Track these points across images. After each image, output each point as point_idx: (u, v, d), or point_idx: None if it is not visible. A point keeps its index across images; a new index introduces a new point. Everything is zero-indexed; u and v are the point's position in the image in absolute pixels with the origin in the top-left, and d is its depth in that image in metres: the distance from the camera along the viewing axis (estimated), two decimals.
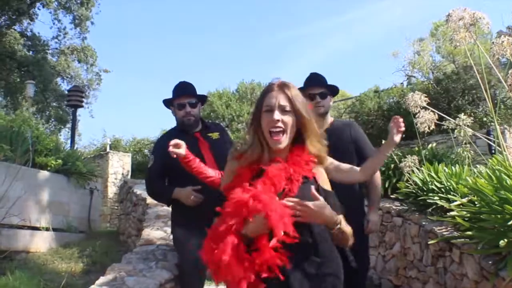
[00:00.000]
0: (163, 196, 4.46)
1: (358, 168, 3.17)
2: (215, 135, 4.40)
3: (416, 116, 4.46)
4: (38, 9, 23.99)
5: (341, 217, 2.38)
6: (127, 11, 58.16)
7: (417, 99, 4.41)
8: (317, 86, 4.21)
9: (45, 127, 20.91)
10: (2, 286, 5.70)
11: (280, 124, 2.36)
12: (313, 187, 2.29)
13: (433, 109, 4.41)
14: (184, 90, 4.41)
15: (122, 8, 55.40)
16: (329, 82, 4.30)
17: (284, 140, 2.38)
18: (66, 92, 17.19)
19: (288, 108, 2.39)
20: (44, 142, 9.20)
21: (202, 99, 4.57)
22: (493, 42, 3.54)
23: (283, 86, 2.44)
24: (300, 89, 4.29)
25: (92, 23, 25.38)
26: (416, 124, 4.48)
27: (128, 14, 58.40)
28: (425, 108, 4.42)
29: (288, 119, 2.38)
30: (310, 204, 2.22)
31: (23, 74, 22.84)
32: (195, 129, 4.36)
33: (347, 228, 2.42)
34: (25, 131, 8.91)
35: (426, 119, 4.39)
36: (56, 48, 25.71)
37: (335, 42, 65.90)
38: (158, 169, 4.33)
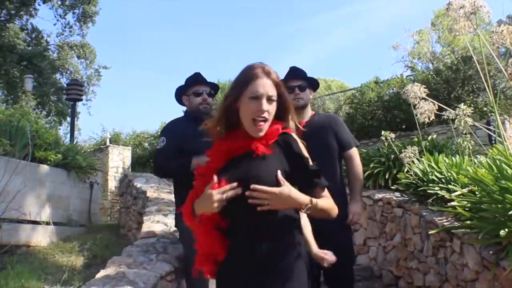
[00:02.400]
0: (183, 165, 4.23)
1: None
2: None
3: (416, 107, 4.45)
4: (39, 4, 23.98)
5: (313, 199, 2.35)
6: (126, 4, 58.01)
7: (416, 90, 4.40)
8: (296, 79, 4.26)
9: (46, 121, 20.88)
10: (3, 280, 5.71)
11: (265, 114, 2.34)
12: (279, 172, 2.28)
13: (432, 100, 4.40)
14: (202, 78, 4.47)
15: (121, 1, 55.24)
16: (330, 76, 4.35)
17: (265, 129, 2.38)
18: (65, 86, 17.17)
19: (274, 98, 2.39)
20: (43, 136, 9.19)
21: (215, 89, 4.60)
22: (492, 31, 3.53)
23: (268, 73, 2.41)
24: (182, 86, 4.43)
25: (92, 22, 25.39)
26: (416, 115, 4.47)
27: (127, 7, 58.27)
28: (424, 99, 4.41)
29: (273, 108, 2.39)
30: (275, 190, 2.21)
31: (23, 69, 22.82)
32: (207, 118, 4.36)
33: (325, 202, 2.42)
34: (25, 125, 8.90)
35: (426, 109, 4.38)
36: (56, 44, 25.71)
37: (336, 36, 65.79)
38: (170, 151, 4.28)
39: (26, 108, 13.21)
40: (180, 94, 4.51)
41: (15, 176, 7.12)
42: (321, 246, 3.03)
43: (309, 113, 4.31)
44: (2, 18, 23.24)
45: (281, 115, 2.45)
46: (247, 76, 2.43)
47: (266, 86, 2.37)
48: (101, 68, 27.10)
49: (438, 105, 4.41)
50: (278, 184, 2.23)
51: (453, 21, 3.54)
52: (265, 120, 2.35)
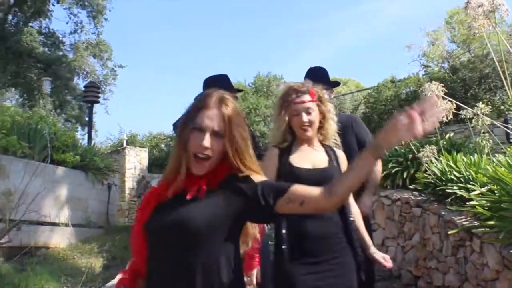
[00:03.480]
0: None
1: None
2: None
3: None
4: (53, 5, 24.12)
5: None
6: (142, 5, 58.24)
7: (434, 89, 4.39)
8: (315, 82, 4.21)
9: (64, 125, 21.01)
10: (23, 281, 5.76)
11: (208, 152, 1.98)
12: None
13: (450, 99, 4.39)
14: (225, 83, 4.37)
15: (137, 2, 55.50)
16: (344, 75, 4.32)
17: (208, 167, 2.01)
18: (83, 89, 17.29)
19: (222, 133, 2.00)
20: (61, 139, 9.26)
21: (236, 92, 4.55)
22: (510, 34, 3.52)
23: (221, 102, 2.05)
24: None
25: (105, 19, 25.51)
26: None
27: (144, 8, 58.51)
28: (442, 98, 4.40)
29: (219, 145, 2.00)
30: None
31: (41, 72, 22.97)
32: None
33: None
34: (43, 127, 8.97)
35: (444, 108, 4.37)
36: (72, 44, 25.85)
37: (350, 34, 65.64)
38: None
39: (44, 110, 13.28)
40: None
41: (35, 178, 7.18)
42: None
43: None
44: (21, 23, 23.41)
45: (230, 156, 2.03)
46: (197, 104, 2.12)
47: (213, 118, 2.01)
48: (117, 67, 27.16)
49: (456, 103, 4.40)
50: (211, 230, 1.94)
51: (472, 19, 3.53)
52: (208, 159, 2.00)
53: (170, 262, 1.97)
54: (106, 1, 25.08)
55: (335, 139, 3.21)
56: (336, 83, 4.48)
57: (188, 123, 2.05)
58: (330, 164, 3.02)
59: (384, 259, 3.02)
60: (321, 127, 3.12)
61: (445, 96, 4.38)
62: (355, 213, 3.15)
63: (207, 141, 1.97)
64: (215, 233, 1.96)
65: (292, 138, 3.12)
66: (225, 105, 2.05)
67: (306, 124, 3.01)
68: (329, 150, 3.12)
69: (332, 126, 3.15)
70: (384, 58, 55.32)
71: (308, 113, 3.01)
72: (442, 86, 4.44)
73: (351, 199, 3.11)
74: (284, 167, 2.97)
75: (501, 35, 3.54)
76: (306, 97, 3.05)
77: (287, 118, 3.05)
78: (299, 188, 1.97)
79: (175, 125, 4.44)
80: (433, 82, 4.52)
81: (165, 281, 1.97)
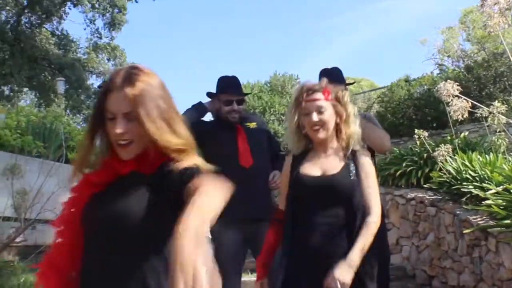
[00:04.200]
0: None
1: None
2: (252, 124, 4.37)
3: (449, 104, 4.41)
4: (69, 8, 24.25)
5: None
6: (154, 5, 58.43)
7: (449, 88, 4.36)
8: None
9: (81, 126, 21.14)
10: None
11: (126, 136, 1.78)
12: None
13: (465, 98, 4.36)
14: (234, 87, 4.39)
15: (149, 3, 55.67)
16: (358, 74, 4.31)
17: (135, 150, 1.82)
18: (97, 88, 17.37)
19: (133, 114, 1.76)
20: (76, 138, 9.31)
21: (245, 96, 4.57)
22: None
23: (125, 81, 1.78)
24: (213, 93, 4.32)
25: (119, 29, 25.65)
26: (450, 113, 4.43)
27: (156, 8, 58.73)
28: (457, 97, 4.37)
29: (136, 126, 1.77)
30: None
31: (55, 72, 23.11)
32: (238, 122, 4.35)
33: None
34: (58, 127, 9.03)
35: (460, 107, 4.34)
36: (87, 47, 26.01)
37: (365, 32, 65.55)
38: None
39: (58, 110, 13.37)
40: (211, 97, 4.49)
41: (49, 177, 7.21)
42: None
43: None
44: (35, 25, 23.55)
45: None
46: (104, 87, 1.88)
47: (119, 103, 1.78)
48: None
49: (471, 102, 4.37)
50: None
51: (488, 17, 3.51)
52: (130, 143, 1.80)
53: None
54: (122, 15, 25.21)
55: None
56: (350, 83, 4.44)
57: (97, 110, 1.85)
58: (342, 171, 2.72)
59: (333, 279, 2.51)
60: (339, 131, 2.81)
61: (460, 95, 4.35)
62: None
63: (119, 127, 1.76)
64: (147, 231, 1.75)
65: (308, 142, 2.88)
66: (129, 83, 1.77)
67: (317, 124, 2.71)
68: (349, 156, 2.79)
69: (354, 130, 2.81)
70: (398, 57, 55.12)
71: (320, 113, 2.72)
72: (457, 85, 4.42)
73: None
74: (292, 175, 2.79)
75: None
76: (319, 95, 2.77)
77: (296, 118, 2.79)
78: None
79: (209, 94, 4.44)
80: (448, 81, 4.49)
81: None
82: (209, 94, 4.45)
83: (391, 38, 62.88)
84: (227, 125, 4.23)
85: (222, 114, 4.35)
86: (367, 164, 2.80)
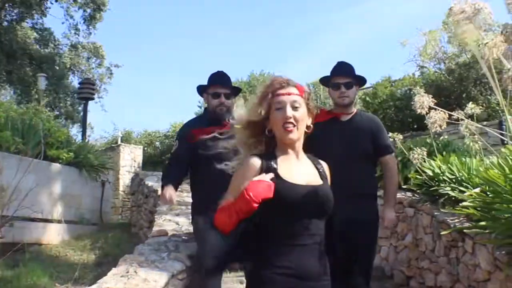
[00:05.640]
0: (163, 179, 4.48)
1: None
2: None
3: (427, 117, 4.45)
4: (51, 3, 24.02)
5: None
6: (138, 3, 58.08)
7: (424, 101, 4.40)
8: (342, 76, 4.14)
9: (59, 123, 20.98)
10: (15, 277, 5.75)
11: None
12: None
13: (442, 109, 4.40)
14: (221, 80, 4.46)
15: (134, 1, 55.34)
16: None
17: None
18: (78, 86, 17.27)
19: None
20: (55, 135, 9.24)
21: (236, 92, 4.61)
22: (486, 43, 3.52)
23: None
24: (326, 77, 4.26)
25: (94, 26, 25.44)
26: (428, 124, 4.47)
27: (139, 5, 58.39)
28: (434, 109, 4.41)
29: None
30: None
31: (35, 68, 22.90)
32: (226, 118, 4.37)
33: None
34: (37, 123, 8.95)
35: (437, 118, 4.38)
36: (67, 44, 25.81)
37: (351, 33, 65.45)
38: (181, 154, 4.38)
39: (38, 107, 13.24)
40: (202, 91, 4.56)
41: (28, 174, 7.16)
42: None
43: (352, 110, 4.23)
44: (14, 17, 23.31)
45: None
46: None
47: None
48: (113, 67, 27.12)
49: (448, 113, 4.41)
50: None
51: (456, 25, 3.54)
52: None
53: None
54: (101, 12, 25.01)
55: None
56: (364, 79, 4.40)
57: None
58: (324, 181, 2.49)
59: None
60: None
61: (436, 107, 4.38)
62: None
63: None
64: None
65: (267, 147, 2.50)
66: None
67: (290, 120, 2.37)
68: (314, 161, 2.56)
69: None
70: (382, 58, 55.25)
71: (295, 108, 2.39)
72: (432, 97, 4.45)
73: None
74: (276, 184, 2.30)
75: (485, 39, 3.53)
76: (293, 90, 2.44)
77: (263, 113, 2.42)
78: None
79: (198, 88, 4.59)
80: (422, 93, 4.52)
81: None
82: (199, 88, 4.52)
83: (375, 39, 62.96)
84: (216, 121, 4.27)
85: (211, 109, 4.42)
86: (327, 167, 2.61)
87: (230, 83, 4.53)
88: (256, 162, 2.37)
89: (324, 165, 2.59)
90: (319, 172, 2.51)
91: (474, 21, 3.47)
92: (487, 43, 3.39)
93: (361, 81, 4.31)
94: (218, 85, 4.43)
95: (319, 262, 2.36)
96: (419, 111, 4.41)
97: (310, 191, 2.36)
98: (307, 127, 2.47)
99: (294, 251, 2.31)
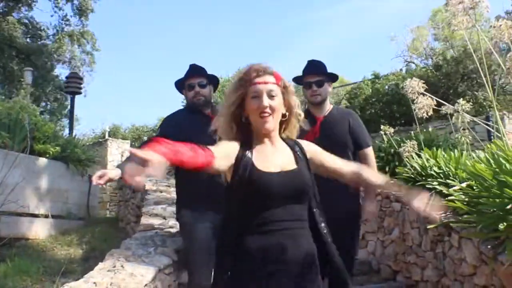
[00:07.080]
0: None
1: (352, 168, 2.74)
2: None
3: (415, 102, 4.45)
4: None
5: None
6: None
7: (415, 85, 4.40)
8: (313, 74, 4.18)
9: (45, 116, 20.85)
10: (2, 273, 5.71)
11: None
12: None
13: (431, 95, 4.40)
14: (194, 70, 4.42)
15: None
16: (332, 70, 4.27)
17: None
18: (65, 79, 17.16)
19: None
20: (42, 129, 9.17)
21: (214, 81, 4.54)
22: (491, 26, 3.54)
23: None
24: (298, 77, 4.29)
25: (92, 10, 25.30)
26: (415, 110, 4.47)
27: (127, 2, 58.17)
28: (423, 94, 4.41)
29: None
30: None
31: (22, 61, 22.75)
32: (206, 109, 4.35)
33: None
34: (23, 118, 8.89)
35: (425, 104, 4.38)
36: (54, 35, 25.62)
37: (339, 30, 65.67)
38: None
39: (25, 101, 13.18)
40: (181, 89, 4.53)
41: (14, 169, 7.11)
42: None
43: (327, 107, 4.26)
44: (1, 10, 23.15)
45: None
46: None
47: None
48: (94, 51, 26.94)
49: (436, 100, 4.42)
50: None
51: (452, 15, 3.55)
52: None
53: None
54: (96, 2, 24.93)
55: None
56: (335, 76, 4.43)
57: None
58: (299, 164, 2.47)
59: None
60: (284, 126, 2.57)
61: (425, 93, 4.39)
62: None
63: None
64: None
65: (244, 136, 2.50)
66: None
67: (267, 109, 2.39)
68: (292, 145, 2.56)
69: (297, 126, 2.60)
70: (370, 54, 55.45)
71: (271, 97, 2.40)
72: (424, 83, 4.45)
73: None
74: (249, 172, 2.36)
75: (481, 32, 3.56)
76: (270, 78, 2.45)
77: (238, 101, 2.45)
78: None
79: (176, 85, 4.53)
80: (414, 78, 4.53)
81: None
82: (176, 85, 4.50)
83: (363, 36, 63.19)
84: (196, 111, 4.26)
85: (189, 101, 4.40)
86: (309, 144, 2.63)
87: (203, 72, 4.45)
88: (236, 145, 2.43)
89: (304, 145, 2.60)
90: (295, 155, 2.51)
91: (470, 13, 3.48)
92: (500, 25, 3.39)
93: (332, 78, 4.33)
94: (191, 76, 4.39)
95: (303, 247, 2.38)
96: (409, 95, 4.42)
97: (283, 177, 2.38)
98: (283, 115, 2.50)
99: (274, 236, 2.33)
